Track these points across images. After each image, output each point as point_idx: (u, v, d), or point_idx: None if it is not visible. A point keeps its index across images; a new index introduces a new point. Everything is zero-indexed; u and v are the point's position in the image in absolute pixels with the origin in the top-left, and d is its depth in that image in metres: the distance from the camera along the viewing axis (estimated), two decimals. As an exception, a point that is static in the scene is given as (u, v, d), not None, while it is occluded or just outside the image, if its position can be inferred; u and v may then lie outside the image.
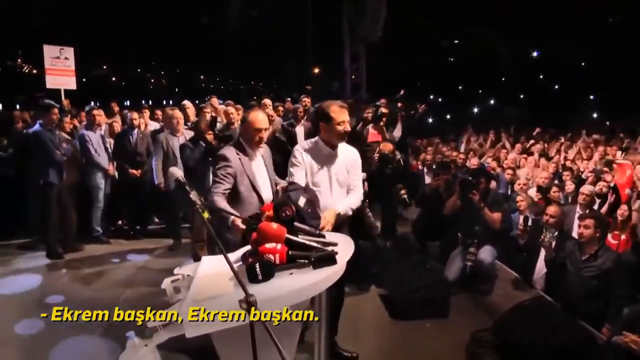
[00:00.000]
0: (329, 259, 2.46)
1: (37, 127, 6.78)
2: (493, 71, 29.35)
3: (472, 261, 5.78)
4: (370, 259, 5.96)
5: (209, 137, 6.39)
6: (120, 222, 8.24)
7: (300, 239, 2.61)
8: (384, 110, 7.49)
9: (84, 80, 26.73)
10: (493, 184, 7.39)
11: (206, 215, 2.58)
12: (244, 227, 3.35)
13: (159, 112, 9.25)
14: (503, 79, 31.23)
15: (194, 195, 2.61)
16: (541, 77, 31.54)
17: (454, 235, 6.59)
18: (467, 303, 5.64)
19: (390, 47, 19.22)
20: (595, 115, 24.54)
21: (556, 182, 8.14)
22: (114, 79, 40.06)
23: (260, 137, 3.94)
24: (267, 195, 3.96)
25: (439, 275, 5.64)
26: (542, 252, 5.88)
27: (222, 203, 3.70)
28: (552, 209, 6.01)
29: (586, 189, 6.87)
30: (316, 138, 3.95)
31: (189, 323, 2.24)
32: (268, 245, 2.48)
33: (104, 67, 38.40)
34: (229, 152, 3.89)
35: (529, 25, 24.86)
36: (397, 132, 8.07)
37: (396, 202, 6.28)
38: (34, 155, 6.78)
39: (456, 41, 29.57)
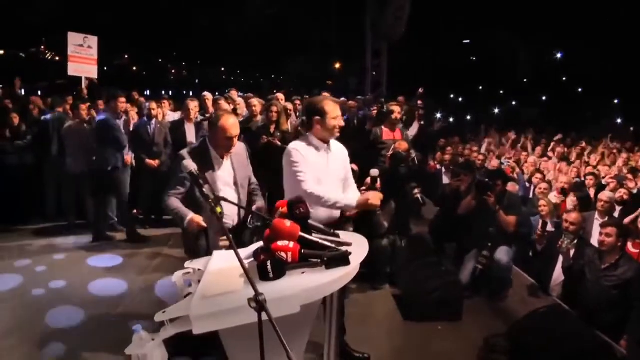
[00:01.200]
0: (343, 259, 2.41)
1: (102, 115, 7.11)
2: (515, 72, 29.02)
3: (484, 265, 5.66)
4: (385, 258, 5.89)
5: None
6: (135, 211, 8.24)
7: (314, 237, 2.55)
8: (391, 108, 7.41)
9: (105, 69, 26.96)
10: (511, 186, 7.29)
11: (219, 210, 2.55)
12: (204, 224, 3.53)
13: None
14: (525, 80, 30.87)
15: (207, 189, 2.58)
16: (564, 79, 31.07)
17: (470, 236, 6.51)
18: (481, 307, 5.54)
19: (413, 45, 19.12)
20: (619, 120, 24.16)
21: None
22: (134, 68, 40.33)
23: (229, 144, 3.86)
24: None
25: (454, 277, 5.56)
26: (560, 259, 5.79)
27: (175, 203, 3.77)
28: (572, 216, 5.91)
29: (605, 195, 6.74)
30: (307, 135, 3.80)
31: (197, 319, 2.20)
32: (280, 243, 2.43)
33: (126, 56, 38.66)
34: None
35: (553, 26, 24.51)
36: (412, 131, 8.00)
37: (410, 201, 6.21)
38: (100, 142, 6.97)
39: (478, 41, 29.21)
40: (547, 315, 4.63)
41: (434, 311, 5.07)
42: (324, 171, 3.72)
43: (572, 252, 5.55)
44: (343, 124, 3.82)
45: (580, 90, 30.91)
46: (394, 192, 6.26)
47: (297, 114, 8.65)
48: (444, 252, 6.67)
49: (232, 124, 3.82)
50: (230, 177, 3.96)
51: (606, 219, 6.46)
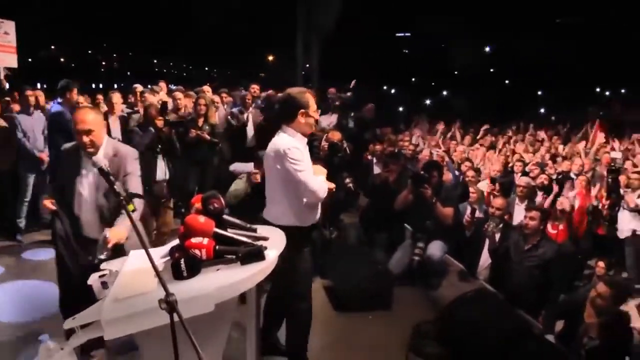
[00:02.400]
0: (257, 255, 2.36)
1: (57, 107, 6.78)
2: (446, 64, 29.72)
3: (420, 256, 5.73)
4: (315, 250, 5.88)
5: (159, 123, 6.05)
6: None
7: (229, 233, 2.50)
8: None
9: (30, 60, 25.73)
10: (445, 176, 7.45)
11: (131, 207, 2.45)
12: (52, 207, 3.37)
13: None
14: (456, 72, 31.68)
15: (117, 186, 2.47)
16: (492, 70, 32.14)
17: (402, 227, 6.60)
18: (411, 295, 5.61)
19: (345, 37, 19.20)
20: (542, 110, 25.26)
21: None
22: (62, 60, 38.74)
23: (81, 140, 3.40)
24: (81, 213, 3.53)
25: (384, 267, 5.62)
26: (487, 243, 5.99)
27: None
28: (497, 201, 6.15)
29: (522, 181, 7.11)
30: (291, 131, 3.55)
31: (109, 323, 2.12)
32: (194, 240, 2.37)
33: (52, 47, 37.06)
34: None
35: (483, 19, 25.23)
36: (326, 121, 8.03)
37: (343, 192, 6.24)
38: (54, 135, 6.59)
39: (410, 33, 29.76)
40: (473, 298, 4.75)
41: (365, 301, 5.10)
42: (310, 167, 3.60)
43: (497, 235, 5.76)
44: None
45: (507, 82, 32.04)
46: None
47: (225, 106, 8.52)
48: (375, 242, 6.73)
49: (81, 117, 3.39)
50: (89, 184, 3.53)
51: (525, 202, 6.77)
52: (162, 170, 6.03)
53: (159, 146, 5.96)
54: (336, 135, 6.67)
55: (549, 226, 6.45)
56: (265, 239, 2.58)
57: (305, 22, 11.85)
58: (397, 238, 6.40)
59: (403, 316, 5.03)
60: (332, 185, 3.63)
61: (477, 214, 6.40)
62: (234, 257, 2.37)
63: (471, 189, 6.83)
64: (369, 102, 9.77)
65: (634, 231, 7.21)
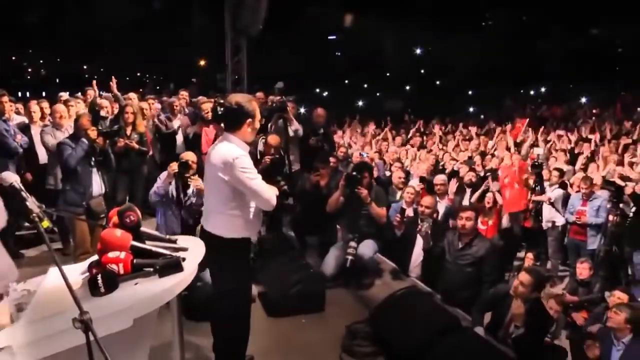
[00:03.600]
0: (175, 266, 2.35)
1: None
2: (378, 65, 30.18)
3: (353, 255, 5.75)
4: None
5: (92, 133, 5.71)
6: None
7: (148, 245, 2.47)
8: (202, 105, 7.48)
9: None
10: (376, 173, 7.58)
11: (46, 224, 2.38)
12: None
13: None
14: (388, 74, 32.24)
15: (30, 203, 2.40)
16: (422, 71, 32.92)
17: (334, 229, 6.66)
18: (344, 296, 5.67)
19: (274, 40, 19.17)
20: (471, 109, 26.11)
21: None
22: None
23: None
24: None
25: (315, 270, 5.65)
26: (419, 242, 6.13)
27: None
28: (427, 200, 6.30)
29: (439, 179, 7.33)
30: (236, 139, 3.49)
31: (21, 348, 2.03)
32: (111, 255, 2.33)
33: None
34: None
35: (413, 21, 25.80)
36: None
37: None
38: None
39: (341, 35, 30.05)
40: (404, 297, 4.87)
41: (297, 305, 5.11)
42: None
43: (429, 234, 5.90)
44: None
45: (438, 82, 32.89)
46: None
47: (157, 114, 8.34)
48: (306, 246, 6.77)
49: None
50: None
51: (446, 199, 7.02)
52: (98, 184, 5.80)
53: (93, 159, 5.72)
54: (275, 140, 6.66)
55: (479, 222, 6.70)
56: (184, 249, 2.57)
57: (232, 25, 11.76)
58: (330, 240, 6.46)
59: (336, 318, 5.07)
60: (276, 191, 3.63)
61: (407, 213, 6.54)
62: (151, 269, 2.34)
63: (408, 189, 6.98)
64: (299, 104, 9.72)
65: (553, 222, 7.66)
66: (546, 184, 7.95)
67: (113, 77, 8.24)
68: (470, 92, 30.89)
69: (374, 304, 5.15)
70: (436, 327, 4.23)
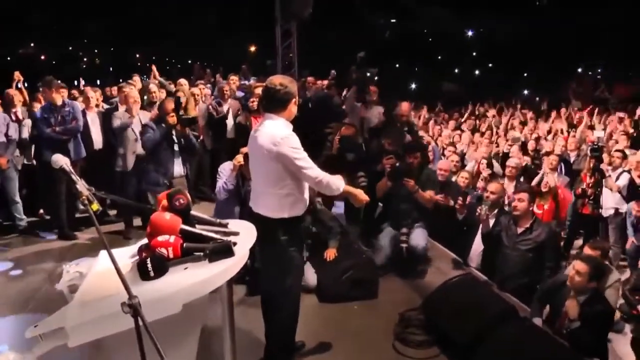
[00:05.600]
0: (225, 251, 2.27)
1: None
2: (430, 47, 29.58)
3: (407, 242, 5.64)
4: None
5: (171, 119, 6.01)
6: (41, 211, 7.76)
7: (197, 229, 2.41)
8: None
9: (9, 59, 25.29)
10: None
11: (95, 207, 2.36)
12: None
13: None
14: (439, 56, 31.57)
15: (80, 186, 2.37)
16: (475, 53, 32.05)
17: (383, 217, 6.49)
18: (398, 284, 5.55)
19: (324, 24, 18.98)
20: (526, 91, 25.27)
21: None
22: (42, 57, 38.07)
23: None
24: None
25: (366, 256, 5.54)
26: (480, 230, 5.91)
27: None
28: (492, 186, 6.06)
29: (512, 162, 7.04)
30: (282, 120, 3.45)
31: (73, 329, 2.02)
32: (160, 238, 2.28)
33: (32, 44, 36.41)
34: None
35: (466, 1, 25.10)
36: None
37: None
38: None
39: (392, 17, 29.53)
40: (458, 284, 4.71)
41: (349, 291, 5.05)
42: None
43: (491, 221, 5.68)
44: None
45: (490, 65, 31.97)
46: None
47: (203, 99, 8.39)
48: (357, 231, 6.65)
49: None
50: None
51: (514, 184, 6.75)
52: (179, 167, 6.21)
53: (175, 143, 6.08)
54: (350, 129, 6.54)
55: (535, 206, 6.43)
56: (236, 234, 2.50)
57: (282, 9, 11.69)
58: (378, 227, 6.30)
59: (389, 305, 4.97)
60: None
61: (470, 199, 6.33)
62: (201, 254, 2.28)
63: (462, 174, 6.76)
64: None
65: (616, 209, 7.26)
66: (607, 168, 7.55)
67: (153, 65, 8.36)
68: (525, 74, 29.85)
69: (427, 292, 5.02)
70: (491, 316, 4.06)
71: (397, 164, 5.82)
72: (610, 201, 7.25)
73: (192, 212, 2.51)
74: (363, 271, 5.16)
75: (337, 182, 3.50)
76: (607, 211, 7.32)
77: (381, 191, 6.00)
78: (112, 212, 7.70)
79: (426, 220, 5.90)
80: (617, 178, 7.25)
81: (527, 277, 5.22)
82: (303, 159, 3.35)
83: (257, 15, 18.89)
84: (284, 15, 11.73)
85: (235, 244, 2.32)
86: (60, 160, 2.45)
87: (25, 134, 7.19)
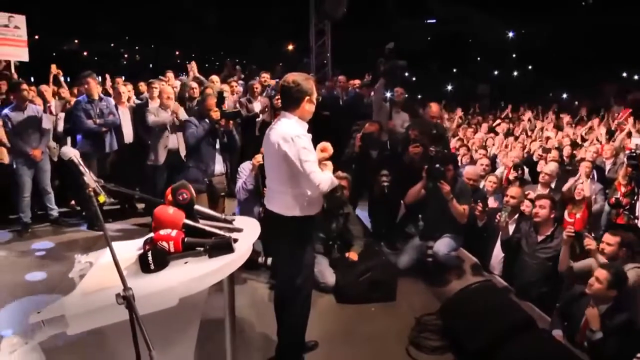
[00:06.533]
0: (225, 247, 2.26)
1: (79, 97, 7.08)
2: (467, 50, 29.17)
3: (432, 257, 5.57)
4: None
5: (214, 114, 5.93)
6: (73, 202, 7.94)
7: (200, 224, 2.40)
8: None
9: (54, 54, 25.92)
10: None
11: (102, 199, 2.38)
12: None
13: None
14: (478, 58, 31.10)
15: (88, 178, 2.40)
16: (514, 55, 31.45)
17: (414, 224, 6.37)
18: (418, 287, 5.48)
19: (358, 24, 18.90)
20: (564, 95, 24.67)
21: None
22: (85, 54, 38.99)
23: None
24: None
25: (386, 259, 5.49)
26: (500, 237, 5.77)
27: None
28: (512, 190, 5.91)
29: (549, 168, 6.85)
30: (295, 118, 3.45)
31: (73, 318, 2.05)
32: (162, 232, 2.29)
33: (75, 41, 37.33)
34: None
35: (505, 2, 24.66)
36: None
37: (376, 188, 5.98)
38: None
39: (431, 21, 29.24)
40: (477, 291, 4.62)
41: (367, 293, 5.00)
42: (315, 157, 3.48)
43: (511, 227, 5.53)
44: None
45: (530, 67, 31.31)
46: (363, 178, 6.02)
47: (235, 95, 8.44)
48: (380, 233, 6.57)
49: None
50: None
51: (547, 191, 6.57)
52: (220, 164, 6.06)
53: (217, 140, 5.98)
54: (373, 126, 6.47)
55: (565, 214, 6.24)
56: (239, 230, 2.48)
57: (316, 9, 11.70)
58: (408, 234, 6.25)
59: (407, 309, 4.93)
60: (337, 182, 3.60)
61: (492, 203, 6.17)
62: (202, 249, 2.27)
63: (490, 178, 6.62)
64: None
65: (654, 221, 6.97)
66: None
67: (192, 62, 8.45)
68: (565, 78, 29.16)
69: (446, 297, 4.95)
70: (508, 326, 3.96)
71: (437, 165, 5.59)
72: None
73: (197, 207, 2.51)
74: (382, 273, 5.10)
75: (333, 184, 3.51)
76: (644, 222, 7.05)
77: (412, 197, 5.85)
78: (140, 206, 7.82)
79: (456, 232, 5.73)
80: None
81: (546, 286, 5.05)
82: (309, 161, 3.32)
83: (291, 15, 18.98)
84: (318, 14, 11.73)
85: (236, 240, 2.31)
86: (70, 152, 2.49)
87: (60, 127, 7.38)
